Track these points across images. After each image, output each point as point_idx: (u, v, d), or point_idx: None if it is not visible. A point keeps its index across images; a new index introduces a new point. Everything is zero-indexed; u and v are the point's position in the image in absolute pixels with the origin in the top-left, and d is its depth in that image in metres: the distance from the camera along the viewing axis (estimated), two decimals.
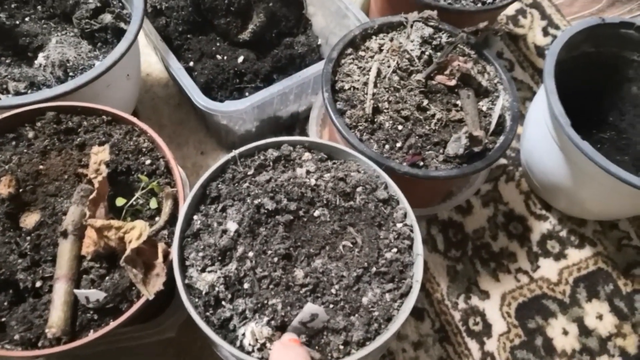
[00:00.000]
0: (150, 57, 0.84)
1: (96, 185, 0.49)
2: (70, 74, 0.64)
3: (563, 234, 0.79)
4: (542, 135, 0.73)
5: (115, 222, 0.47)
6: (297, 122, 0.82)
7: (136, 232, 0.48)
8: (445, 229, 0.77)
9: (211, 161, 0.78)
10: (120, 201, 0.50)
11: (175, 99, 0.82)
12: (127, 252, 0.46)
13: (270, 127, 0.78)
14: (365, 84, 0.64)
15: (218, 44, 0.76)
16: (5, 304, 0.47)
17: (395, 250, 0.52)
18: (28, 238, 0.49)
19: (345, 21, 0.79)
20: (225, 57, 0.75)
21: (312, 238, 0.53)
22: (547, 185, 0.77)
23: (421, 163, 0.60)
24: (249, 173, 0.55)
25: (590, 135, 0.84)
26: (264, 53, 0.77)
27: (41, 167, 0.52)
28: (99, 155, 0.50)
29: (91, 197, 0.47)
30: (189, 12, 0.74)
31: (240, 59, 0.74)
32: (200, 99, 0.65)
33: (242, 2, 0.73)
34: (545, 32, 1.00)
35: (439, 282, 0.73)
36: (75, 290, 0.46)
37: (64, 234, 0.48)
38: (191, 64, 0.75)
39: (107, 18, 0.66)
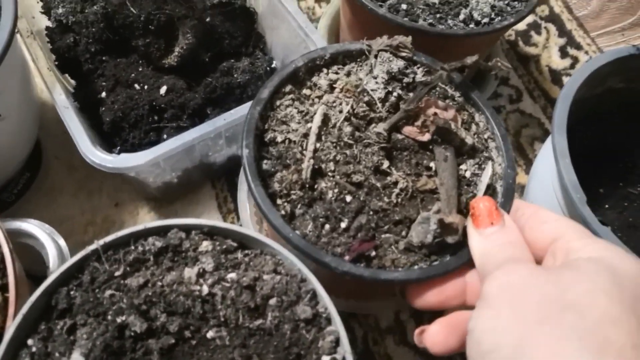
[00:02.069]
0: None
1: None
2: None
3: None
4: (549, 202, 0.55)
5: None
6: (239, 165, 0.65)
7: None
8: (418, 313, 0.60)
9: (127, 216, 0.62)
10: None
11: None
12: None
13: (201, 173, 0.62)
14: (306, 135, 0.47)
15: (140, 69, 0.60)
16: None
17: None
18: None
19: (299, 35, 0.62)
20: (145, 87, 0.59)
21: None
22: None
23: (373, 252, 0.43)
24: (117, 274, 0.39)
25: (615, 190, 0.66)
26: (197, 80, 0.61)
27: None
28: None
29: None
30: (100, 28, 0.59)
31: (163, 89, 0.58)
32: (85, 150, 0.49)
33: (163, 19, 0.57)
34: (564, 53, 0.81)
35: None
36: None
37: None
38: (103, 94, 0.59)
39: None
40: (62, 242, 0.50)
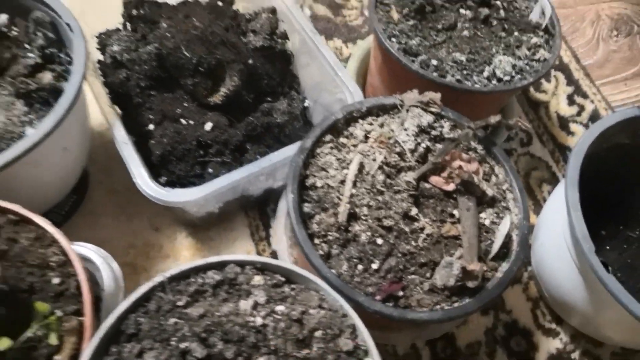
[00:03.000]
0: None
1: None
2: None
3: (575, 355, 0.67)
4: (558, 246, 0.60)
5: None
6: (272, 196, 0.70)
7: None
8: (433, 342, 0.65)
9: (165, 240, 0.67)
10: (3, 344, 0.39)
11: None
12: None
13: (238, 205, 0.67)
14: (343, 182, 0.52)
15: (185, 105, 0.65)
16: None
17: None
18: None
19: (334, 79, 0.67)
20: (191, 122, 0.64)
21: None
22: (559, 300, 0.65)
23: (400, 292, 0.48)
24: (180, 304, 0.43)
25: (616, 232, 0.72)
26: (238, 117, 0.66)
27: None
28: None
29: None
30: (152, 66, 0.64)
31: (208, 126, 0.63)
32: (144, 186, 0.54)
33: (213, 62, 0.62)
34: (571, 101, 0.87)
35: None
36: None
37: None
38: (151, 127, 0.64)
39: (47, 78, 0.56)
40: (115, 265, 0.55)
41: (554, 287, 0.65)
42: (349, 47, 0.86)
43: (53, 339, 0.41)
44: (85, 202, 0.68)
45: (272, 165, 0.57)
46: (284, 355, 0.42)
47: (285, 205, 0.61)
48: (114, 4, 0.70)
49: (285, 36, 0.70)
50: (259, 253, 0.67)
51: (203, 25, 0.62)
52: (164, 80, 0.65)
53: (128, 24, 0.69)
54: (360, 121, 0.56)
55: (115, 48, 0.65)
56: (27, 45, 0.58)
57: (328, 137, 0.54)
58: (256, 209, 0.70)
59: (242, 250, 0.67)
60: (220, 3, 0.71)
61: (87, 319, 0.42)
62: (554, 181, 0.79)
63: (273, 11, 0.69)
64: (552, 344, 0.67)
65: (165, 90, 0.66)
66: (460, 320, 0.63)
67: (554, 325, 0.68)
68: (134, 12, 0.68)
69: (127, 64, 0.65)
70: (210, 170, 0.61)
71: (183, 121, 0.64)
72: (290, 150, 0.58)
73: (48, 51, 0.58)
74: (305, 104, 0.72)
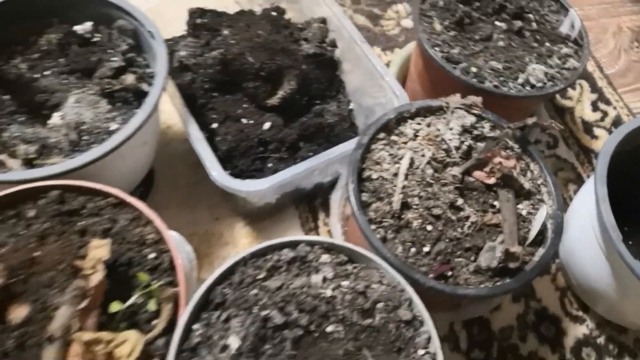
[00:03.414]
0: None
1: (91, 284, 0.44)
2: (85, 137, 0.60)
3: (601, 340, 0.72)
4: (586, 236, 0.66)
5: (106, 335, 0.43)
6: (320, 191, 0.77)
7: (128, 347, 0.43)
8: (469, 325, 0.71)
9: (225, 228, 0.73)
10: (115, 307, 0.45)
11: (193, 156, 0.77)
12: None
13: (291, 198, 0.73)
14: (396, 174, 0.58)
15: (245, 106, 0.72)
16: None
17: None
18: (13, 335, 0.45)
19: (381, 84, 0.73)
20: (251, 122, 0.70)
21: (322, 358, 0.47)
22: (587, 288, 0.70)
23: (449, 273, 0.54)
24: (259, 277, 0.50)
25: (637, 229, 0.77)
26: (291, 118, 0.72)
27: (37, 253, 0.48)
28: (98, 251, 0.46)
29: (82, 305, 0.43)
30: (216, 70, 0.70)
31: (267, 125, 0.69)
32: (219, 177, 0.60)
33: (274, 68, 0.68)
34: (595, 107, 0.93)
35: None
36: None
37: (50, 339, 0.43)
38: (214, 125, 0.70)
39: (129, 79, 0.63)
40: (188, 248, 0.61)
41: (581, 275, 0.70)
42: (387, 55, 0.93)
43: (152, 306, 0.48)
44: (151, 194, 0.75)
45: (328, 161, 0.63)
46: (351, 324, 0.48)
47: (339, 196, 0.67)
48: (176, 14, 0.78)
49: (334, 44, 0.77)
50: None
51: (265, 34, 0.69)
52: (226, 83, 0.72)
53: (191, 31, 0.76)
54: (410, 121, 0.63)
55: (183, 53, 0.71)
56: (110, 50, 0.65)
57: (381, 135, 0.61)
58: (305, 203, 0.76)
59: None
60: (273, 13, 0.78)
61: (182, 288, 0.48)
62: (579, 181, 0.85)
63: (323, 21, 0.76)
64: (579, 330, 0.72)
65: (226, 93, 0.72)
66: (498, 302, 0.68)
67: (580, 313, 0.74)
68: (198, 20, 0.75)
69: (192, 67, 0.71)
70: (269, 165, 0.67)
71: (244, 121, 0.70)
72: (342, 148, 0.64)
73: (129, 55, 0.65)
74: (350, 107, 0.79)
